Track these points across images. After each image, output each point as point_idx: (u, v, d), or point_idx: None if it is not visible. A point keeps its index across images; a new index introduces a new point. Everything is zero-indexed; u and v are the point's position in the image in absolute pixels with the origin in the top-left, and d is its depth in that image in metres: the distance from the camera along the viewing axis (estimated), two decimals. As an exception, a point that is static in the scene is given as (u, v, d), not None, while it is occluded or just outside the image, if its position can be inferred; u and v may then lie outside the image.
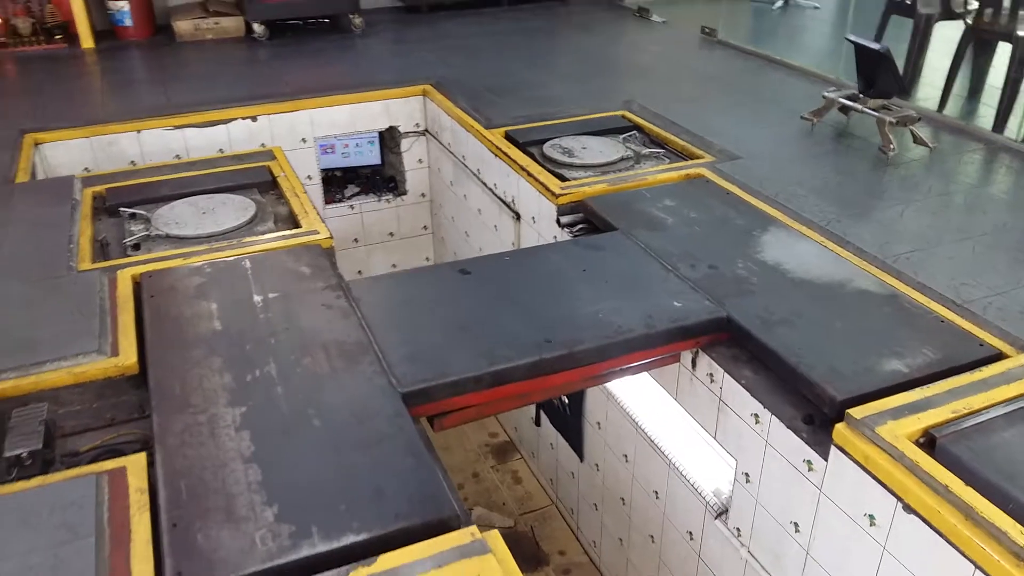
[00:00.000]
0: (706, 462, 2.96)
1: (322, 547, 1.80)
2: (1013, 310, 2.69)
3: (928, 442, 2.12)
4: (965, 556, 1.90)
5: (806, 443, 2.34)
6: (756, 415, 2.53)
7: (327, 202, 5.21)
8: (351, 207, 5.28)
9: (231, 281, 2.87)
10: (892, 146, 3.79)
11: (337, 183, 5.48)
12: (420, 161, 5.32)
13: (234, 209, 3.47)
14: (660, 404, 3.14)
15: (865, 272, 2.89)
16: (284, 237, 3.22)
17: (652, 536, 3.38)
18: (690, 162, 3.94)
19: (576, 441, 3.89)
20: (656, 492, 3.26)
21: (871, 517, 2.16)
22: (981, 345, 2.50)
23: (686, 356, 2.83)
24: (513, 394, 2.55)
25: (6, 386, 2.38)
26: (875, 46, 3.79)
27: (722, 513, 2.85)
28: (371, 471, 2.02)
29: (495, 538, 1.85)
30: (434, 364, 2.44)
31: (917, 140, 3.87)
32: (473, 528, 1.86)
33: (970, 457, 2.03)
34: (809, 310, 2.68)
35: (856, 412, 2.19)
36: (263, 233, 3.30)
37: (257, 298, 2.75)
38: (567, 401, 3.84)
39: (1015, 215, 3.38)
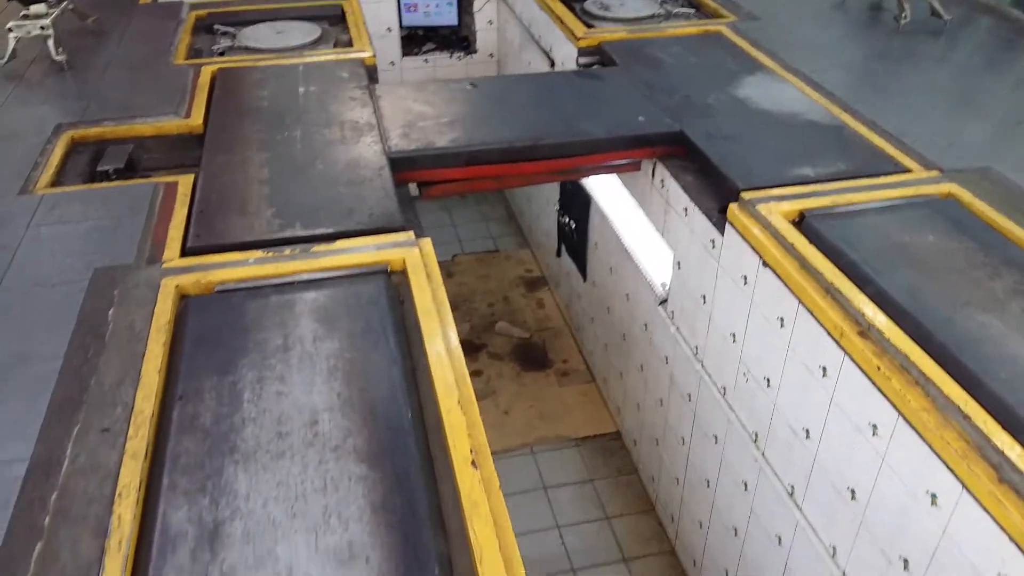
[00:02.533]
0: (657, 259, 3.44)
1: (300, 232, 2.46)
2: (941, 143, 2.97)
3: (800, 221, 2.54)
4: (794, 295, 2.35)
5: (714, 225, 2.80)
6: (686, 209, 2.99)
7: (404, 55, 5.80)
8: (426, 60, 5.85)
9: (284, 78, 3.53)
10: (905, 15, 3.96)
11: (418, 40, 6.04)
12: (490, 22, 5.79)
13: (303, 32, 4.12)
14: (630, 212, 3.63)
15: (824, 109, 3.21)
16: (336, 53, 3.85)
17: (624, 335, 3.92)
18: (712, 20, 4.25)
19: (581, 262, 4.43)
20: (627, 295, 3.78)
21: (744, 277, 2.63)
22: (895, 164, 2.83)
23: (647, 166, 3.29)
24: (489, 175, 3.11)
25: (105, 130, 3.16)
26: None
27: (663, 301, 3.35)
28: (349, 199, 2.65)
29: (426, 243, 2.45)
30: (421, 140, 3.02)
31: (934, 12, 4.02)
32: (411, 233, 2.47)
33: (826, 229, 2.44)
34: (755, 131, 3.07)
35: (747, 195, 2.63)
36: (322, 50, 3.94)
37: (300, 89, 3.41)
38: (574, 226, 4.37)
39: (994, 80, 3.56)
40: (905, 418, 1.94)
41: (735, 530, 2.99)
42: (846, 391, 2.18)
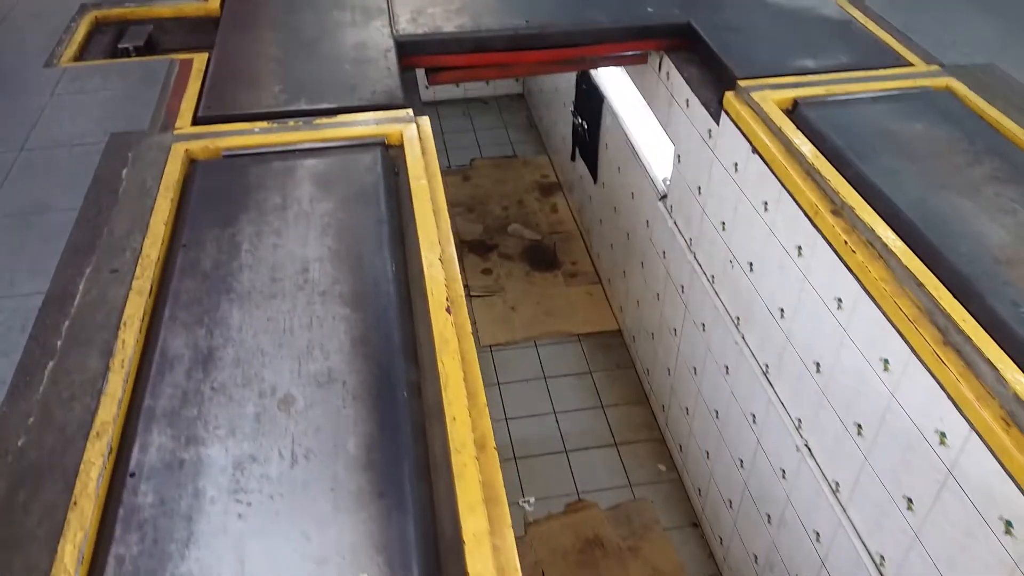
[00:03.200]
0: (660, 155, 3.49)
1: (304, 106, 2.56)
2: (947, 40, 2.95)
3: (793, 109, 2.57)
4: (777, 178, 2.41)
5: (711, 115, 2.84)
6: (687, 100, 3.03)
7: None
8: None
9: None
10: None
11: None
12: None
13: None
14: (637, 109, 3.66)
15: (836, 4, 3.19)
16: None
17: (628, 234, 4.01)
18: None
19: (593, 164, 4.48)
20: (632, 193, 3.85)
21: (735, 164, 2.69)
22: (897, 58, 2.83)
23: (654, 60, 3.31)
24: (495, 63, 3.16)
25: (127, 11, 3.26)
26: None
27: (664, 196, 3.42)
28: (354, 77, 2.74)
29: (424, 120, 2.54)
30: (428, 26, 3.07)
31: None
32: (410, 110, 2.56)
33: (815, 116, 2.48)
34: (762, 24, 3.06)
35: (744, 83, 2.66)
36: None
37: (316, -25, 3.45)
38: (587, 127, 4.40)
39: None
40: (865, 289, 2.02)
41: (716, 412, 3.13)
42: (817, 268, 2.26)
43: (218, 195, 2.24)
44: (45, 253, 2.07)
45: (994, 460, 1.65)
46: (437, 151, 5.90)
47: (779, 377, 2.59)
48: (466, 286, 4.76)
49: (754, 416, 2.79)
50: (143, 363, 1.76)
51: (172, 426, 1.61)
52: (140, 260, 2.01)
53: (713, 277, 3.01)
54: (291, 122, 2.50)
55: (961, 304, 1.83)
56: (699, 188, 3.03)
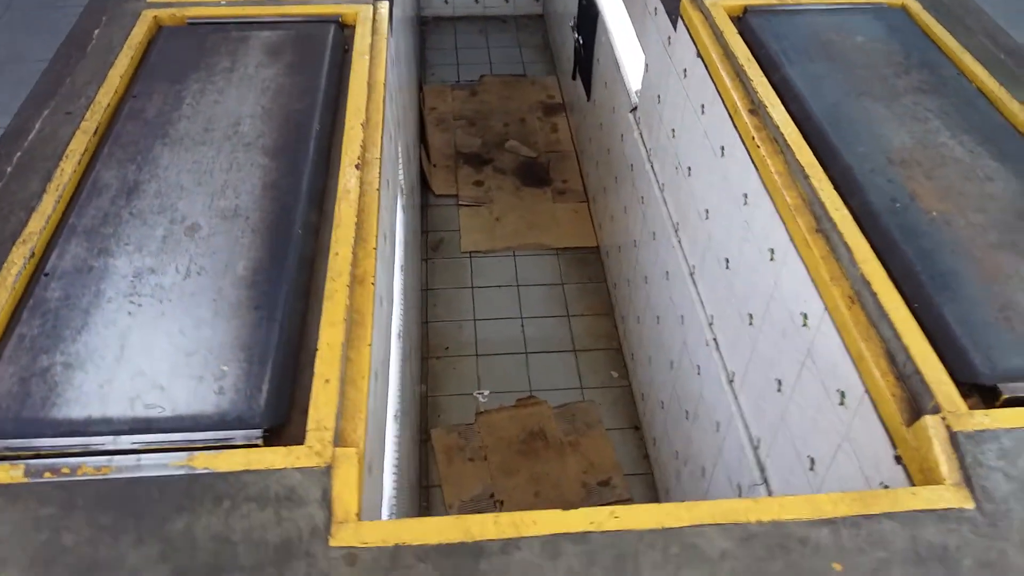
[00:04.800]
0: (635, 67, 3.55)
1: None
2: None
3: (743, 16, 2.62)
4: (712, 81, 2.48)
5: (671, 23, 2.89)
6: (656, 8, 3.08)
7: None
8: None
9: None
10: None
11: None
12: None
13: None
14: (623, 22, 3.71)
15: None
16: None
17: (608, 149, 4.08)
18: None
19: (587, 81, 4.54)
20: (614, 108, 3.92)
21: (685, 71, 2.75)
22: (863, -23, 2.83)
23: (634, -32, 3.34)
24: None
25: None
26: None
27: (634, 108, 3.49)
28: (326, -41, 2.83)
29: (383, 5, 2.64)
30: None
31: None
32: (369, -7, 2.66)
33: (760, 23, 2.52)
34: (739, -64, 3.07)
35: (701, -12, 2.70)
36: None
37: None
38: (582, 42, 4.45)
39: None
40: (764, 183, 2.11)
41: (657, 319, 3.25)
42: (732, 167, 2.34)
43: (174, 56, 2.39)
44: (12, 96, 2.26)
45: (838, 336, 1.75)
46: (449, 65, 6.04)
47: (701, 277, 2.70)
48: (455, 195, 4.90)
49: (682, 317, 2.91)
50: (77, 189, 1.95)
51: (88, 240, 1.80)
52: (92, 106, 2.18)
53: (663, 185, 3.10)
54: (257, -3, 2.63)
55: (842, 197, 1.91)
56: (658, 97, 3.09)
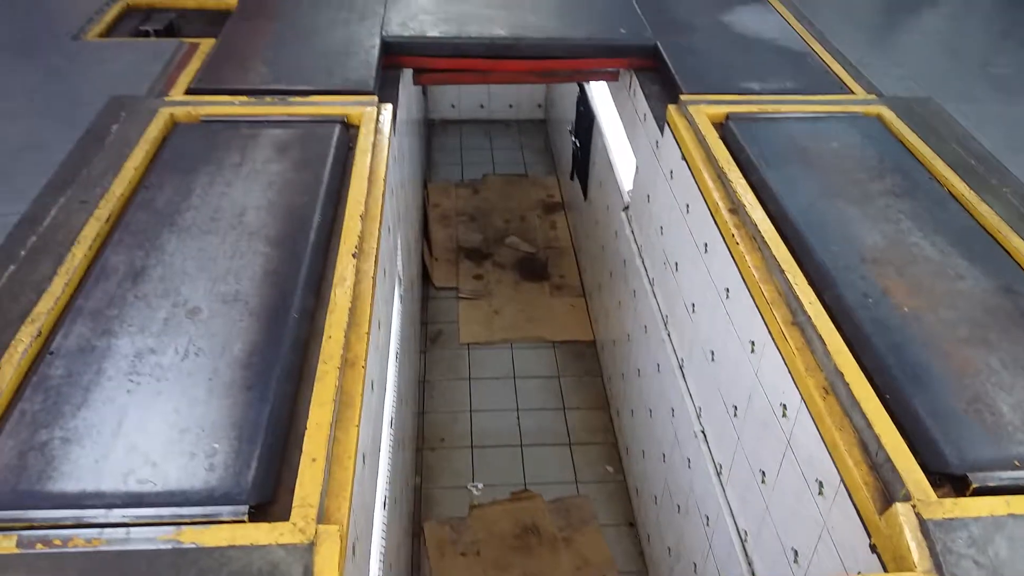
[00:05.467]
0: (627, 168, 3.71)
1: (283, 86, 2.86)
2: (895, 74, 3.12)
3: (724, 123, 2.77)
4: (695, 181, 2.61)
5: (659, 128, 3.05)
6: (645, 115, 3.25)
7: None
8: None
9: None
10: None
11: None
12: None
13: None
14: (615, 126, 3.89)
15: (800, 38, 3.38)
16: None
17: (603, 246, 4.21)
18: (734, -43, 4.39)
19: (584, 181, 4.71)
20: (608, 206, 4.06)
21: (671, 172, 2.89)
22: (840, 86, 3.01)
23: (626, 78, 3.54)
24: (474, 68, 3.44)
25: (154, 1, 3.64)
26: None
27: (627, 207, 3.63)
28: (335, 66, 3.03)
29: (386, 107, 2.81)
30: (415, 30, 3.37)
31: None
32: (375, 97, 2.84)
33: (740, 129, 2.67)
34: (723, 50, 3.28)
35: (685, 97, 2.87)
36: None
37: (329, -19, 3.80)
38: (579, 145, 4.64)
39: (984, 30, 3.64)
40: (743, 277, 2.20)
41: (650, 412, 3.29)
42: (716, 262, 2.44)
43: (187, 151, 2.53)
44: (31, 183, 2.38)
45: (814, 427, 1.80)
46: (454, 165, 6.26)
47: (689, 369, 2.75)
48: (456, 288, 5.00)
49: (673, 410, 2.95)
50: (87, 273, 2.04)
51: (94, 321, 1.88)
52: (106, 195, 2.30)
53: (653, 280, 3.19)
54: (268, 98, 2.80)
55: (816, 292, 1.99)
56: (648, 196, 3.23)
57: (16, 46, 3.19)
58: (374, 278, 2.11)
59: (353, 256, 2.10)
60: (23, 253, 2.12)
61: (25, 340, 1.81)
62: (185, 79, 2.94)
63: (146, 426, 1.62)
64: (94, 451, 1.56)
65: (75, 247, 2.10)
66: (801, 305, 1.95)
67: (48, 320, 1.88)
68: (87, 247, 2.10)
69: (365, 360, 1.87)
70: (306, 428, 1.63)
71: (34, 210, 2.27)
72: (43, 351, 1.81)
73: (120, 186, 2.33)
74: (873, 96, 2.94)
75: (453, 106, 6.88)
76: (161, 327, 1.86)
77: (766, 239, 2.16)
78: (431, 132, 6.76)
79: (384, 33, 3.30)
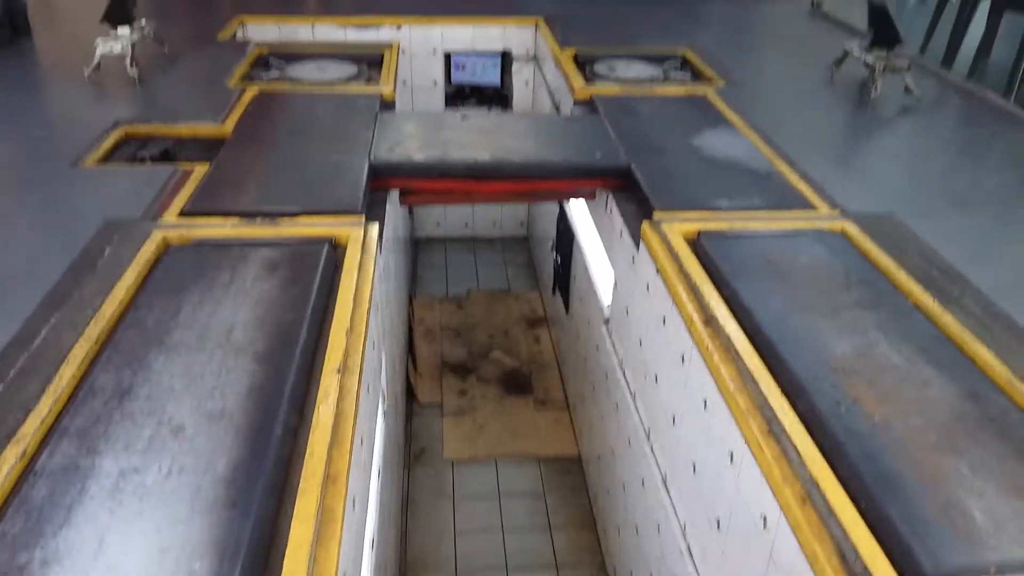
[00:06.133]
0: (606, 283, 3.81)
1: (273, 208, 2.98)
2: (858, 193, 3.29)
3: (696, 239, 2.90)
4: (670, 295, 2.70)
5: (635, 244, 3.18)
6: (621, 231, 3.38)
7: (448, 106, 6.44)
8: (464, 115, 6.46)
9: (310, 101, 4.15)
10: (876, 89, 4.31)
11: (463, 95, 6.68)
12: (526, 83, 6.39)
13: (341, 70, 4.78)
14: (594, 243, 4.02)
15: (766, 159, 3.57)
16: (361, 87, 4.47)
17: (585, 359, 4.27)
18: (702, 84, 4.69)
19: (565, 296, 4.82)
20: (588, 320, 4.15)
21: (648, 286, 2.99)
22: (805, 203, 3.16)
23: (603, 197, 3.70)
24: (458, 189, 3.59)
25: (152, 128, 3.83)
26: (876, 1, 4.31)
27: (607, 321, 3.71)
28: (324, 189, 3.17)
29: (372, 227, 2.93)
30: (401, 154, 3.54)
31: (907, 89, 4.34)
32: (362, 217, 2.96)
33: (712, 245, 2.79)
34: (693, 170, 3.45)
35: (659, 215, 3.01)
36: (352, 84, 4.57)
37: (320, 110, 4.01)
38: (560, 261, 4.78)
39: (941, 148, 3.87)
40: (719, 388, 2.25)
41: (636, 528, 3.26)
42: (693, 374, 2.50)
43: (178, 272, 2.61)
44: (25, 305, 2.44)
45: (793, 538, 1.81)
46: (439, 281, 6.37)
47: (673, 483, 2.76)
48: (440, 404, 5.01)
49: (658, 526, 2.93)
50: (74, 392, 2.07)
51: (79, 440, 1.89)
52: (96, 316, 2.36)
53: (635, 393, 3.23)
54: (259, 220, 2.91)
55: (789, 401, 2.05)
56: (627, 309, 3.32)
57: (17, 176, 3.32)
58: (358, 394, 2.15)
59: (338, 372, 2.15)
60: (12, 373, 2.15)
61: (10, 460, 1.82)
62: (179, 203, 3.06)
63: (127, 546, 1.61)
64: (74, 572, 1.55)
65: (64, 367, 2.14)
66: (775, 415, 2.00)
67: (34, 440, 1.89)
68: (76, 366, 2.14)
69: (347, 477, 1.89)
70: (287, 545, 1.63)
71: (25, 331, 2.32)
72: (27, 471, 1.82)
73: (111, 306, 2.39)
74: (837, 212, 3.08)
75: (438, 224, 7.08)
76: (146, 445, 1.88)
77: (739, 351, 2.23)
78: (417, 249, 6.93)
79: (372, 157, 3.46)
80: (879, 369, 2.16)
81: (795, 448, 1.90)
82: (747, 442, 2.06)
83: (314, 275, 2.59)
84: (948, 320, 2.40)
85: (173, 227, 2.86)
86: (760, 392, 2.09)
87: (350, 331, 2.33)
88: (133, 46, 4.39)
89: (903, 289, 2.58)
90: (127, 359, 2.18)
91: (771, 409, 2.02)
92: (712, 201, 3.14)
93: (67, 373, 2.11)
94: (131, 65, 4.35)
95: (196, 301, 2.44)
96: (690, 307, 2.52)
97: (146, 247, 2.72)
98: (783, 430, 1.95)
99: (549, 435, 4.74)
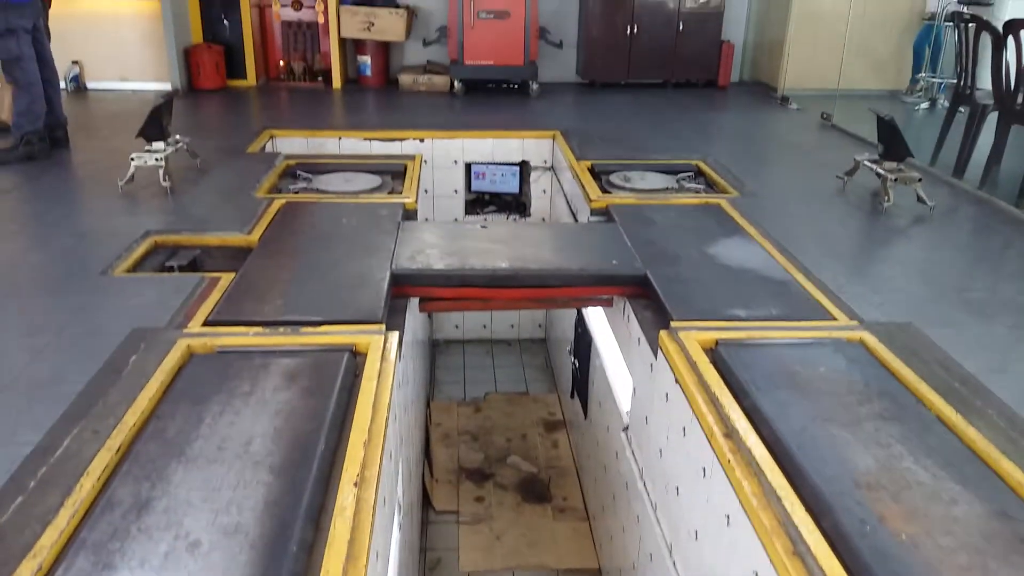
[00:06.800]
0: (625, 389, 3.80)
1: (296, 317, 3.04)
2: (875, 300, 3.31)
3: (714, 348, 2.91)
4: (689, 405, 2.69)
5: (652, 352, 3.19)
6: (639, 339, 3.40)
7: (467, 213, 6.61)
8: (485, 219, 6.63)
9: (335, 212, 4.29)
10: (888, 199, 4.38)
11: (482, 203, 6.88)
12: (544, 191, 6.57)
13: (366, 181, 4.95)
14: (612, 349, 4.03)
15: (781, 268, 3.62)
16: (384, 197, 4.62)
17: (605, 467, 4.20)
18: (716, 194, 4.79)
19: (584, 400, 4.80)
20: (608, 427, 4.11)
21: (667, 395, 2.98)
22: (822, 313, 3.17)
23: (620, 304, 3.74)
24: (477, 297, 3.65)
25: (181, 238, 3.95)
26: (885, 116, 4.44)
27: (626, 428, 3.68)
28: (346, 298, 3.24)
29: (392, 335, 2.97)
30: (422, 263, 3.62)
31: (920, 199, 4.42)
32: (383, 326, 3.01)
33: (730, 355, 2.80)
34: (709, 279, 3.50)
35: (676, 324, 3.04)
36: (376, 195, 4.72)
37: (344, 220, 4.14)
38: (578, 365, 4.78)
39: (955, 256, 3.89)
40: (741, 504, 2.21)
41: (660, 646, 3.13)
42: (716, 487, 2.45)
43: (200, 381, 2.65)
44: (49, 414, 2.47)
45: (824, 664, 1.74)
46: (456, 383, 6.42)
47: (696, 600, 2.67)
48: (456, 512, 4.92)
49: (682, 644, 2.82)
50: (93, 505, 2.07)
51: (95, 554, 1.88)
52: (119, 426, 2.38)
53: (656, 504, 3.17)
54: (282, 329, 2.96)
55: (813, 519, 2.00)
56: (646, 418, 3.30)
57: (49, 285, 3.42)
58: (374, 507, 2.13)
59: (355, 485, 2.14)
60: (32, 484, 2.16)
61: (25, 575, 1.81)
62: (204, 311, 3.13)
63: (136, 669, 1.58)
64: None
65: (84, 478, 2.15)
66: (800, 534, 1.96)
67: (50, 555, 1.88)
68: (96, 478, 2.15)
69: (362, 595, 1.85)
70: (300, 670, 1.59)
71: (46, 441, 2.35)
72: (41, 587, 1.81)
73: (133, 416, 2.42)
74: (855, 322, 3.09)
75: (456, 327, 7.13)
76: (161, 561, 1.87)
77: (761, 465, 2.21)
78: (435, 351, 6.96)
79: (394, 266, 3.54)
80: (904, 485, 2.12)
81: (821, 570, 1.84)
82: (772, 562, 2.01)
83: (334, 384, 2.61)
84: (972, 433, 2.37)
85: (197, 336, 2.92)
86: (784, 509, 2.05)
87: (368, 442, 2.33)
88: (166, 159, 4.58)
89: (925, 400, 2.56)
90: (147, 471, 2.18)
91: (795, 527, 1.98)
92: (729, 310, 3.16)
93: (87, 485, 2.12)
94: (164, 177, 4.53)
95: (217, 411, 2.47)
96: (710, 419, 2.51)
97: (170, 356, 2.77)
98: (808, 550, 1.91)
99: (568, 546, 4.62)
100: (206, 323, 3.03)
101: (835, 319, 3.13)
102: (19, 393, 2.62)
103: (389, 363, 2.80)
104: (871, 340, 2.93)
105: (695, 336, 2.93)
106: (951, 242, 4.19)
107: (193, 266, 3.75)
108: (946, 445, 2.32)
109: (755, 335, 2.95)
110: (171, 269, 3.66)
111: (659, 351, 3.07)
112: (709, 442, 2.49)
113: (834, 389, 2.61)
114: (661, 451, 3.08)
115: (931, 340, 3.00)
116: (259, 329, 2.96)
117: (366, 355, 2.83)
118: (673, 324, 3.03)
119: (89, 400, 2.54)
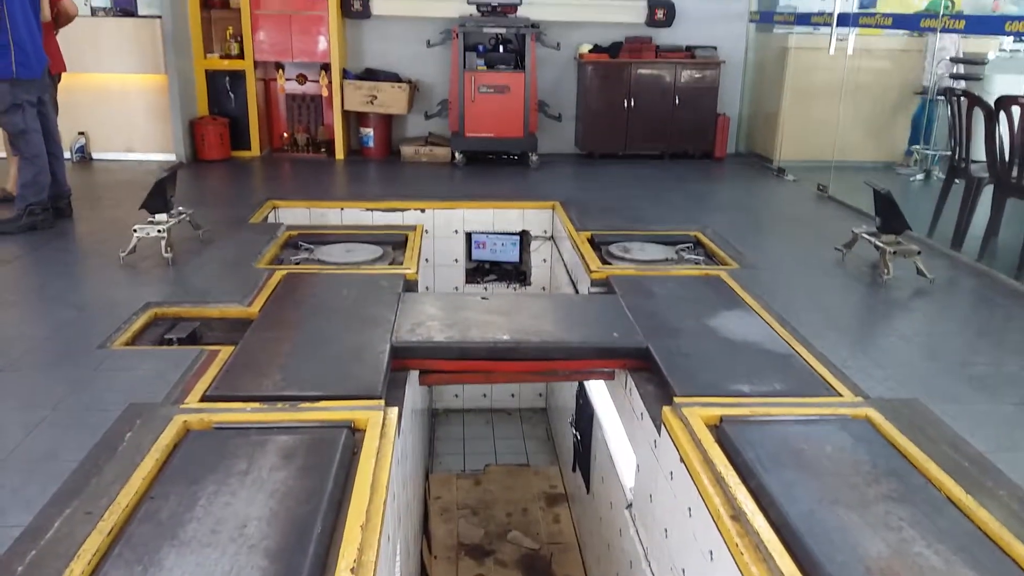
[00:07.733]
0: (628, 465, 3.73)
1: (295, 392, 3.01)
2: (878, 375, 3.28)
3: (719, 425, 2.87)
4: (695, 485, 2.64)
5: (655, 428, 3.14)
6: (642, 414, 3.36)
7: (468, 282, 6.63)
8: (485, 288, 6.64)
9: (336, 283, 4.29)
10: (887, 272, 4.39)
11: (483, 272, 6.90)
12: (544, 260, 6.60)
13: (367, 252, 4.97)
14: (614, 422, 3.98)
15: (783, 341, 3.60)
16: (385, 268, 4.63)
17: (609, 544, 4.11)
18: (715, 265, 4.81)
19: (586, 474, 4.71)
20: (611, 503, 4.03)
21: (671, 473, 2.92)
22: (827, 389, 3.15)
23: (621, 377, 3.71)
24: (478, 369, 3.62)
25: (181, 310, 3.95)
26: (882, 189, 4.49)
27: (629, 505, 3.60)
28: (346, 372, 3.21)
29: (392, 411, 2.93)
30: (422, 335, 3.60)
31: (919, 272, 4.43)
32: (382, 401, 2.97)
33: (735, 432, 2.76)
34: (711, 353, 3.48)
35: (679, 399, 3.00)
36: (377, 266, 4.74)
37: (344, 292, 4.14)
38: (580, 438, 4.71)
39: (957, 329, 3.88)
40: (750, 590, 2.15)
41: None
42: (723, 572, 2.38)
43: (196, 459, 2.60)
44: (40, 494, 2.42)
45: None
46: (456, 455, 6.32)
47: None
48: (456, 589, 4.79)
49: None
50: (80, 592, 2.01)
51: (80, 647, 1.82)
52: (112, 506, 2.33)
53: (661, 586, 3.08)
54: (280, 404, 2.93)
55: (826, 607, 1.94)
56: (650, 496, 3.23)
57: (46, 357, 3.39)
58: (373, 595, 2.06)
59: (351, 572, 2.08)
60: (20, 569, 2.10)
61: (6, 670, 1.74)
62: (202, 386, 3.09)
63: None
64: None
65: (74, 562, 2.08)
66: (812, 624, 1.89)
67: (33, 645, 1.82)
68: (86, 562, 2.08)
69: None
70: None
71: (38, 522, 2.29)
72: None
73: (126, 496, 2.37)
74: (860, 399, 3.06)
75: (456, 396, 7.07)
76: (148, 653, 1.80)
77: (770, 550, 2.15)
78: (435, 421, 6.88)
79: (394, 339, 3.53)
80: (918, 571, 2.06)
81: (835, 663, 1.77)
82: (783, 653, 1.94)
83: (331, 463, 2.56)
84: (984, 515, 2.31)
85: (194, 412, 2.88)
86: (794, 597, 1.99)
87: (365, 524, 2.27)
88: (169, 231, 4.61)
89: (934, 480, 2.51)
90: (139, 555, 2.12)
91: (807, 617, 1.92)
92: (733, 385, 3.13)
93: (77, 569, 2.05)
94: (165, 249, 4.54)
95: (212, 491, 2.41)
96: (716, 500, 2.46)
97: (166, 432, 2.73)
98: (821, 641, 1.84)
99: (570, 627, 4.48)
100: (203, 398, 3.00)
101: (840, 395, 3.10)
102: (12, 470, 2.57)
103: (388, 440, 2.75)
104: (877, 417, 2.89)
105: (699, 412, 2.90)
106: (953, 315, 4.19)
107: (193, 338, 3.72)
108: (957, 528, 2.27)
109: (759, 411, 2.91)
110: (170, 342, 3.63)
111: (662, 427, 3.03)
112: (716, 524, 2.43)
113: (841, 469, 2.56)
114: (666, 531, 3.01)
115: (937, 417, 2.96)
116: (257, 405, 2.92)
117: (364, 431, 2.79)
118: (676, 399, 3.00)
119: (82, 478, 2.49)
